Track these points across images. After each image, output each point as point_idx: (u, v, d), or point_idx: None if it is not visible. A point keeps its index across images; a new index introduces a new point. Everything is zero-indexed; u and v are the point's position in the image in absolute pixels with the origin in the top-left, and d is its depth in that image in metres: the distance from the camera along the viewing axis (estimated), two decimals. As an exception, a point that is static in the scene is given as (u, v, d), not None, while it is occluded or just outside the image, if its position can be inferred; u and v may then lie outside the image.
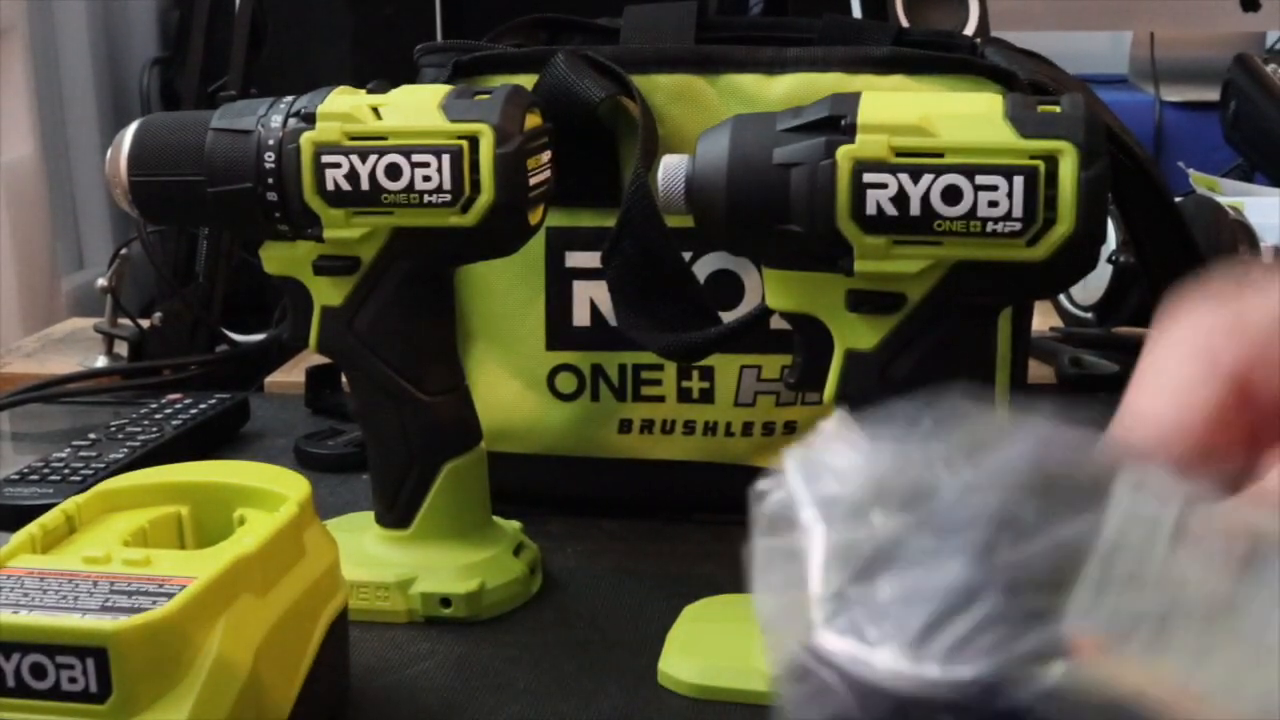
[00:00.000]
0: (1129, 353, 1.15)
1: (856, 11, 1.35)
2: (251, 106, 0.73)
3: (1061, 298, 1.21)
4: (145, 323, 1.20)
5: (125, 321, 1.21)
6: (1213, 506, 0.30)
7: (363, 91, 0.73)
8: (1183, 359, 0.35)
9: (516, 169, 0.70)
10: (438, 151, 0.70)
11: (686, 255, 0.81)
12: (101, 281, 1.20)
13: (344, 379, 0.97)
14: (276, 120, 0.72)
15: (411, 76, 0.83)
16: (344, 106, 0.71)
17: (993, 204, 0.59)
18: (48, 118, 1.57)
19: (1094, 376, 1.10)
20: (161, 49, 1.74)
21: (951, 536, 0.30)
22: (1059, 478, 0.30)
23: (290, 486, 0.64)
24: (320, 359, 0.93)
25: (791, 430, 0.86)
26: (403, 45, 0.89)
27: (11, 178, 1.46)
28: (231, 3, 1.26)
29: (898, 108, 0.61)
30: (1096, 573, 0.28)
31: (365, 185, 0.70)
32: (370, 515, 0.78)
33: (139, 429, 0.99)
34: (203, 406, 1.04)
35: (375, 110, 0.71)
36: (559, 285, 0.85)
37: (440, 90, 0.72)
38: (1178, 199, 1.03)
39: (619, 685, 0.68)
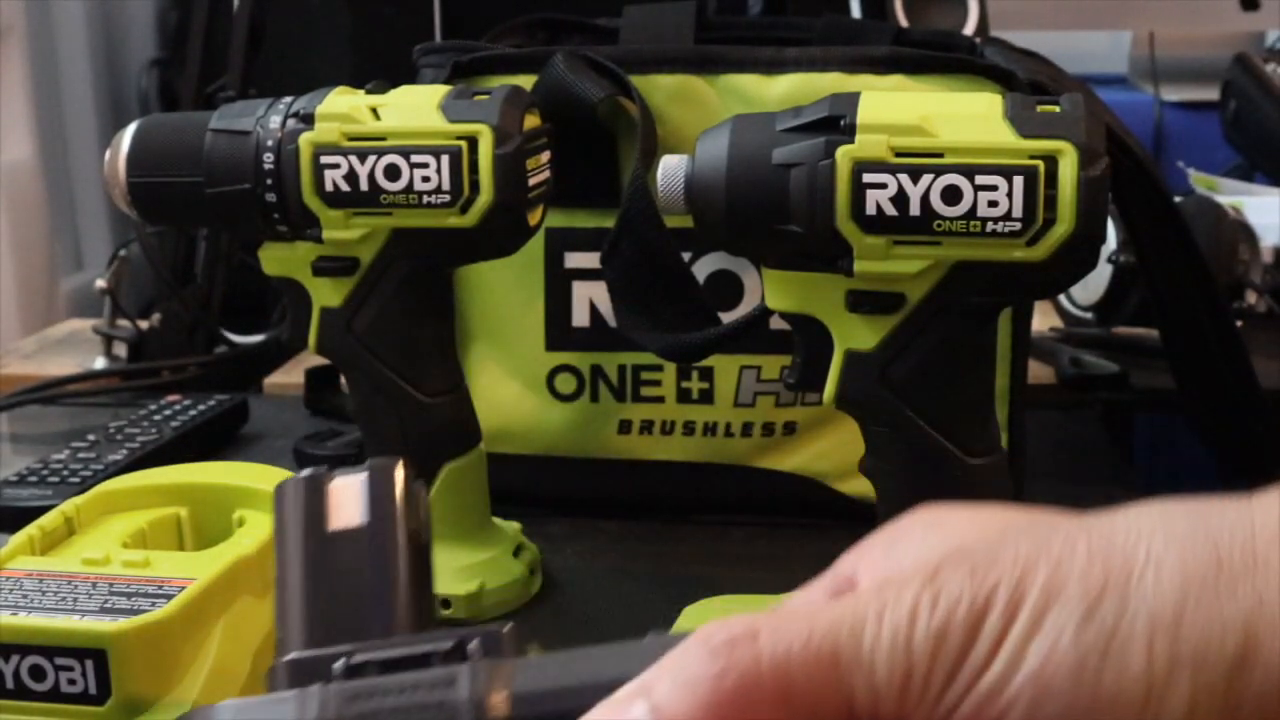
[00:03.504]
0: (1129, 353, 1.15)
1: (856, 11, 1.35)
2: (250, 107, 0.73)
3: (1061, 298, 1.21)
4: (144, 324, 1.20)
5: (124, 323, 1.21)
6: None
7: (361, 92, 0.73)
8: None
9: (515, 169, 0.70)
10: (437, 152, 0.69)
11: (686, 255, 0.81)
12: (100, 283, 1.20)
13: (343, 380, 0.97)
14: (275, 121, 0.71)
15: (410, 77, 0.83)
16: (343, 107, 0.71)
17: (992, 204, 0.59)
18: (46, 119, 1.57)
19: (1094, 376, 1.10)
20: (160, 50, 1.74)
21: None
22: None
23: (289, 488, 0.63)
24: (319, 360, 0.93)
25: (791, 431, 0.85)
26: (401, 46, 0.89)
27: (10, 179, 1.46)
28: (230, 3, 1.26)
29: (897, 108, 0.60)
30: None
31: (364, 186, 0.70)
32: (370, 516, 0.78)
33: (138, 430, 0.99)
34: (202, 408, 1.04)
35: (374, 111, 0.71)
36: (558, 286, 0.85)
37: (439, 91, 0.72)
38: (1178, 199, 1.03)
39: (619, 686, 0.68)
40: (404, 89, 0.74)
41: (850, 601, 0.32)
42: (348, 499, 0.40)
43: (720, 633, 0.32)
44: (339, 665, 0.37)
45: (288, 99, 0.72)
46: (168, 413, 1.02)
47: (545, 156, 0.74)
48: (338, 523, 0.39)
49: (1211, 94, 1.69)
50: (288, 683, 0.38)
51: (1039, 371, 1.09)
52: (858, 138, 0.60)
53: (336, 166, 0.70)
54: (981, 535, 0.34)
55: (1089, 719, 0.30)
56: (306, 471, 0.40)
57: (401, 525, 0.40)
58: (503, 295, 0.86)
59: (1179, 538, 0.31)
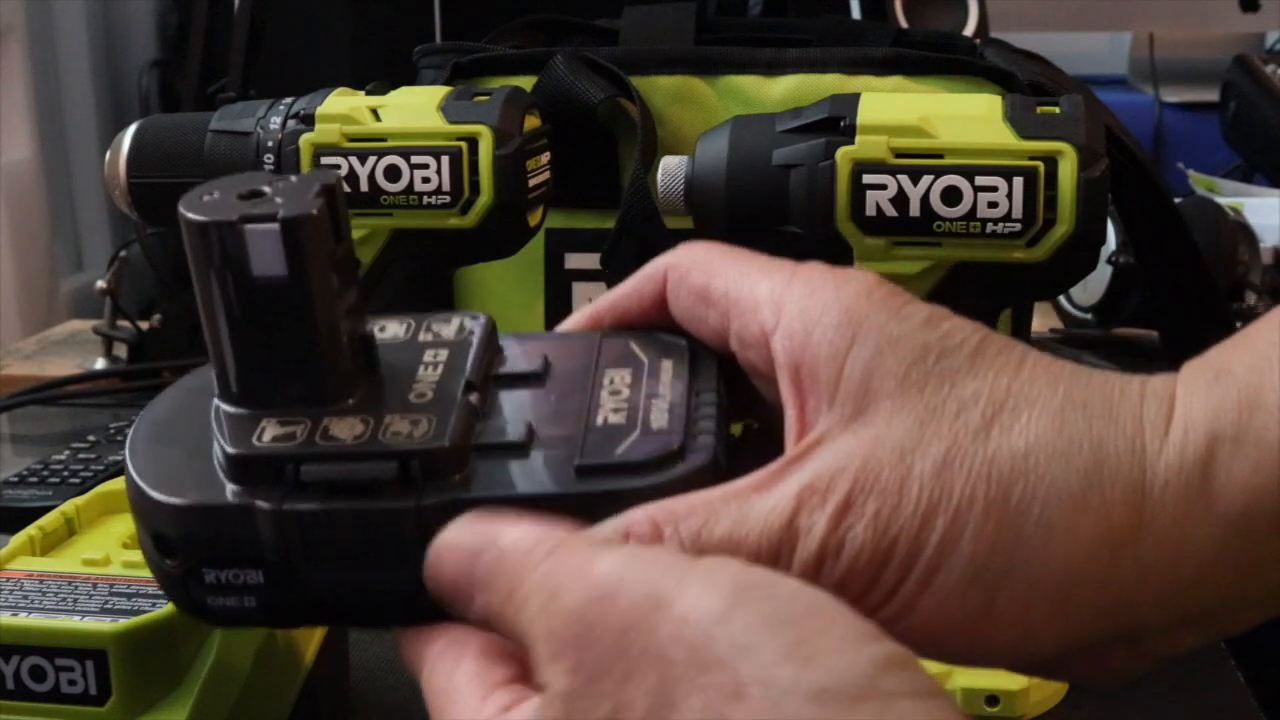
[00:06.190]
0: (1129, 354, 1.15)
1: (856, 12, 1.35)
2: (251, 108, 0.73)
3: (1061, 298, 1.21)
4: (144, 324, 1.20)
5: (124, 323, 1.21)
6: None
7: (362, 93, 0.73)
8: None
9: (515, 170, 0.70)
10: (437, 153, 0.70)
11: (686, 256, 0.81)
12: (100, 283, 1.20)
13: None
14: (275, 122, 0.72)
15: (411, 78, 0.83)
16: (343, 108, 0.71)
17: (992, 205, 0.59)
18: (47, 120, 1.57)
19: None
20: (160, 51, 1.74)
21: None
22: None
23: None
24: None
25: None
26: (402, 47, 0.89)
27: (10, 180, 1.46)
28: (231, 4, 1.26)
29: (897, 109, 0.61)
30: None
31: (364, 187, 0.70)
32: (370, 517, 0.78)
33: (138, 431, 0.98)
34: (202, 408, 1.03)
35: (374, 112, 0.71)
36: (558, 287, 0.85)
37: (439, 92, 0.72)
38: (1177, 200, 1.03)
39: (619, 687, 0.68)
40: (404, 90, 0.74)
41: (766, 532, 0.35)
42: (265, 248, 0.38)
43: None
44: (288, 473, 0.38)
45: (288, 100, 0.72)
46: (168, 413, 1.02)
47: (545, 157, 0.74)
48: (260, 270, 0.38)
49: (1211, 95, 1.69)
50: (232, 475, 0.38)
51: (1039, 372, 1.09)
52: (858, 139, 0.60)
53: (337, 167, 0.70)
54: (889, 361, 0.36)
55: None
56: (216, 216, 0.38)
57: (322, 280, 0.38)
58: (503, 296, 0.86)
59: (1073, 495, 0.34)
